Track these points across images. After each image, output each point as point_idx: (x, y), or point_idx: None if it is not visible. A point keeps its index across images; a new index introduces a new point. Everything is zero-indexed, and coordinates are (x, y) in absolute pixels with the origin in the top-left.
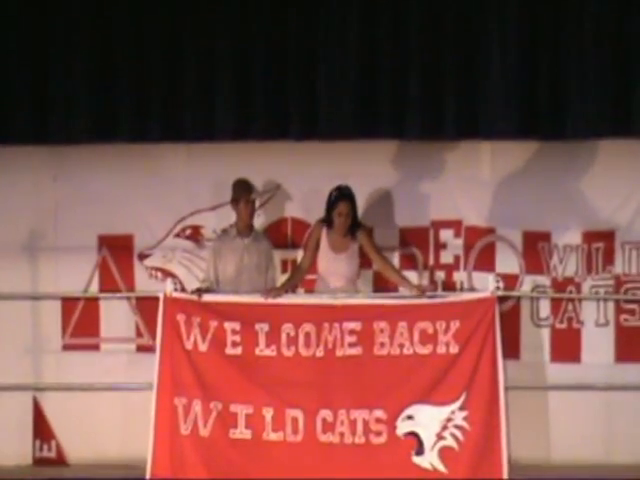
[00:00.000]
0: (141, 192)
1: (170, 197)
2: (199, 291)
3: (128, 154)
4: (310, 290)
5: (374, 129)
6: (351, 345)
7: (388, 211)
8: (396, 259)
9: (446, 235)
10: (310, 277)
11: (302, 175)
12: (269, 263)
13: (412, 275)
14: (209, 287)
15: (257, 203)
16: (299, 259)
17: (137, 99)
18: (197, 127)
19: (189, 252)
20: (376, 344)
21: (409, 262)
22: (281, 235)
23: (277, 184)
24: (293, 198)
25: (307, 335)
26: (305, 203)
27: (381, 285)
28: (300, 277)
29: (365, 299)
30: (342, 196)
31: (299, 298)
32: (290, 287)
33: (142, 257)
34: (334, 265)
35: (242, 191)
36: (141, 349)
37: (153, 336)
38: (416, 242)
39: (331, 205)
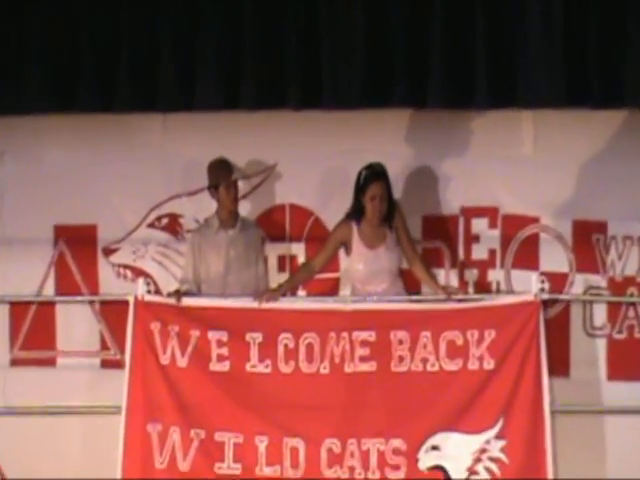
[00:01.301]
0: (106, 173)
1: (142, 179)
2: (178, 294)
3: (90, 127)
4: (316, 292)
5: (389, 96)
6: (363, 359)
7: (407, 196)
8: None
9: (479, 225)
10: (323, 276)
11: (302, 153)
12: (259, 255)
13: (438, 274)
14: (189, 289)
15: (242, 185)
16: (300, 255)
17: (101, 60)
18: (174, 94)
19: (165, 246)
20: (394, 358)
21: (434, 258)
22: (277, 225)
23: (271, 164)
24: (291, 181)
25: (309, 347)
26: (306, 186)
27: (410, 285)
28: (305, 277)
29: (380, 303)
30: (375, 175)
31: (300, 302)
32: (289, 289)
33: (108, 252)
34: (374, 264)
35: (220, 174)
36: (107, 364)
37: (122, 349)
38: (442, 234)
39: (361, 188)
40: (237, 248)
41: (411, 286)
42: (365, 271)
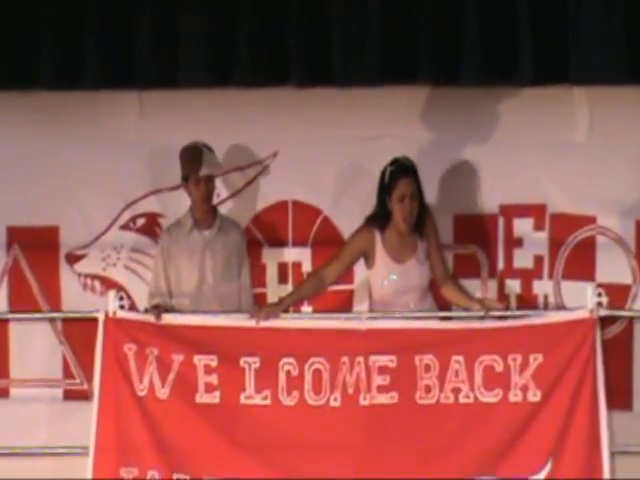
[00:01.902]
0: (71, 163)
1: (114, 170)
2: (158, 309)
3: (52, 107)
4: (324, 307)
5: (412, 71)
6: (382, 390)
7: (436, 192)
8: (449, 262)
9: (523, 227)
10: (334, 288)
11: (307, 139)
12: (242, 263)
13: (472, 285)
14: (165, 304)
15: (238, 177)
16: (305, 262)
17: (66, 28)
18: (153, 68)
19: (142, 252)
20: (419, 388)
21: (467, 266)
22: (277, 227)
23: (270, 153)
24: (294, 173)
25: (317, 374)
26: (312, 180)
27: (441, 298)
28: (313, 291)
29: (402, 320)
30: (403, 171)
31: (305, 320)
32: (293, 303)
33: (72, 259)
34: (402, 282)
35: (188, 164)
36: (71, 396)
37: (89, 377)
38: (478, 237)
39: (387, 188)
40: (214, 253)
41: (442, 299)
42: (391, 289)
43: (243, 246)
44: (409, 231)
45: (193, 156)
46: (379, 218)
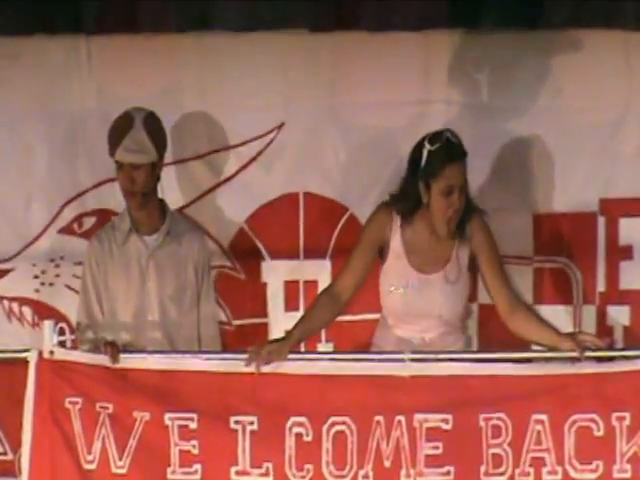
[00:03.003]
0: None
1: (52, 153)
2: (112, 347)
3: None
4: (349, 341)
5: (471, 13)
6: (433, 462)
7: (507, 183)
8: (527, 280)
9: (633, 230)
10: (362, 317)
11: (324, 107)
12: (204, 280)
13: (559, 315)
14: (100, 339)
15: (234, 160)
16: (323, 280)
17: None
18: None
19: None
20: (485, 460)
21: (553, 288)
22: (283, 230)
23: (274, 126)
24: (308, 155)
25: (339, 441)
26: (332, 164)
27: (497, 334)
28: (330, 315)
29: (460, 363)
30: (451, 154)
31: (323, 363)
32: (303, 338)
33: None
34: (416, 299)
35: (109, 142)
36: None
37: (14, 444)
38: (567, 246)
39: (425, 172)
40: (161, 268)
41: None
42: (399, 303)
43: (204, 258)
44: (446, 235)
45: (117, 131)
46: (406, 200)
